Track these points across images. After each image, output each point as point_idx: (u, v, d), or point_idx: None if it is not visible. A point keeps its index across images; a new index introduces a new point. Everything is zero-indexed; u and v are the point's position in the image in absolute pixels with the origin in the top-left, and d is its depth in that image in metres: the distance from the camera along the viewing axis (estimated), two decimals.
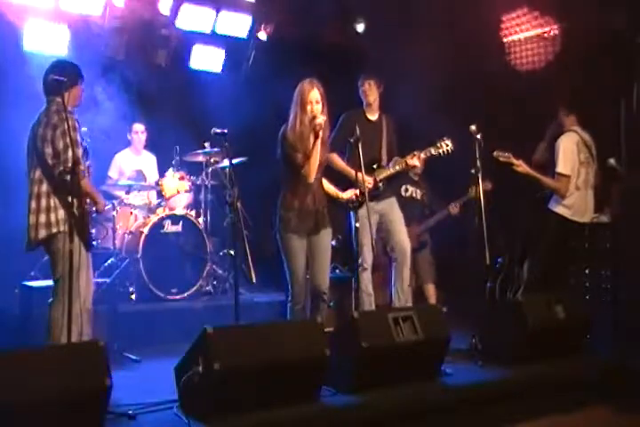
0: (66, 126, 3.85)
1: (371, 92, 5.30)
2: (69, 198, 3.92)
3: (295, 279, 4.43)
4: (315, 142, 4.32)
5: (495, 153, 5.26)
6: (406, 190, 6.43)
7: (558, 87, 5.94)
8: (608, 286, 5.36)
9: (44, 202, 3.99)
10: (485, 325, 4.73)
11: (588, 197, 5.38)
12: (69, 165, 3.87)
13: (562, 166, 5.27)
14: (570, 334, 4.70)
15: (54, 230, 3.98)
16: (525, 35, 6.77)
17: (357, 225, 4.95)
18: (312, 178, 4.40)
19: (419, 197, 6.48)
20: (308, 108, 4.35)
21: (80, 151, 3.98)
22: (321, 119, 4.29)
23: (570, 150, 5.30)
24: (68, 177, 3.85)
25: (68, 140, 3.86)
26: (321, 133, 4.33)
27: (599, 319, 5.03)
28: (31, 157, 4.12)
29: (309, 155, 4.33)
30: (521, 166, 5.28)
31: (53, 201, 3.99)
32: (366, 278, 5.20)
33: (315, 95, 4.36)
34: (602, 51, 5.80)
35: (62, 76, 3.97)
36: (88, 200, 4.18)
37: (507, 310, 4.84)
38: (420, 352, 4.01)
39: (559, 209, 5.33)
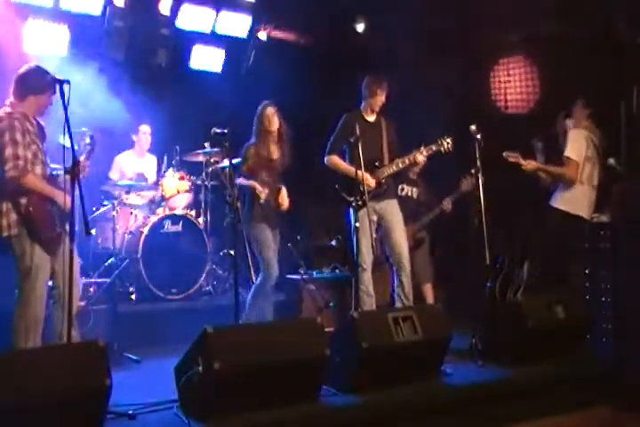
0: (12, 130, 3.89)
1: (381, 100, 5.31)
2: (22, 200, 3.88)
3: (272, 264, 5.01)
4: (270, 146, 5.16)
5: (505, 154, 5.30)
6: (402, 189, 6.35)
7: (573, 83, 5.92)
8: (608, 286, 5.36)
9: None
10: (485, 325, 4.72)
11: (590, 193, 5.38)
12: (7, 166, 3.84)
13: (570, 151, 5.28)
14: (570, 334, 4.69)
15: (5, 234, 3.92)
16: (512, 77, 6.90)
17: (357, 225, 4.96)
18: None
19: (415, 195, 6.41)
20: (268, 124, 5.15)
21: (28, 154, 3.93)
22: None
23: (578, 143, 5.31)
24: (8, 175, 3.85)
25: (13, 141, 3.87)
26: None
27: (599, 319, 5.03)
28: None
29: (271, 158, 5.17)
30: (530, 164, 5.30)
31: (5, 205, 3.92)
32: (367, 279, 5.17)
33: (273, 117, 5.15)
34: (602, 51, 5.80)
35: (31, 82, 4.01)
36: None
37: (507, 310, 4.84)
38: (419, 352, 4.01)
39: (560, 204, 5.32)
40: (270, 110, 5.15)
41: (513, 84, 6.89)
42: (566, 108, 5.57)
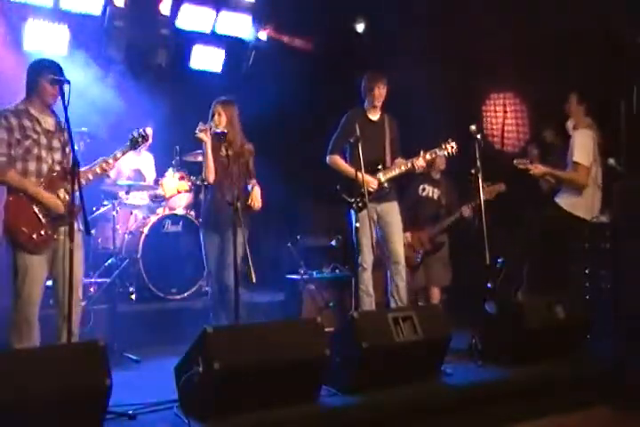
0: None
1: (380, 96, 5.21)
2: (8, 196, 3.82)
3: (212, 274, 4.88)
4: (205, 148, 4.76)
5: (516, 161, 5.32)
6: (423, 190, 6.25)
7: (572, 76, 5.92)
8: (608, 286, 5.36)
9: None
10: (485, 325, 4.72)
11: (596, 193, 5.37)
12: None
13: (579, 156, 5.24)
14: (570, 334, 4.69)
15: None
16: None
17: (357, 225, 4.96)
18: (210, 180, 4.77)
19: (435, 196, 6.27)
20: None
21: (18, 151, 3.85)
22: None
23: (587, 146, 5.28)
24: None
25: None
26: (208, 140, 4.74)
27: (599, 319, 5.03)
28: None
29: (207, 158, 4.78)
30: (537, 168, 5.28)
31: None
32: (367, 279, 5.15)
33: (219, 117, 4.85)
34: (602, 51, 5.80)
35: (28, 74, 3.97)
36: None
37: (507, 310, 4.84)
38: (419, 352, 4.01)
39: (565, 206, 5.32)
40: (216, 109, 4.87)
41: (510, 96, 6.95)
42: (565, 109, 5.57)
